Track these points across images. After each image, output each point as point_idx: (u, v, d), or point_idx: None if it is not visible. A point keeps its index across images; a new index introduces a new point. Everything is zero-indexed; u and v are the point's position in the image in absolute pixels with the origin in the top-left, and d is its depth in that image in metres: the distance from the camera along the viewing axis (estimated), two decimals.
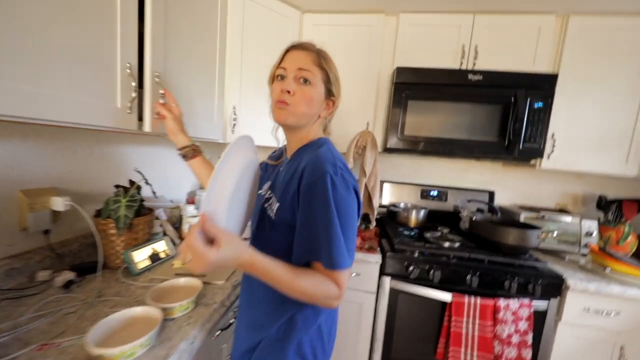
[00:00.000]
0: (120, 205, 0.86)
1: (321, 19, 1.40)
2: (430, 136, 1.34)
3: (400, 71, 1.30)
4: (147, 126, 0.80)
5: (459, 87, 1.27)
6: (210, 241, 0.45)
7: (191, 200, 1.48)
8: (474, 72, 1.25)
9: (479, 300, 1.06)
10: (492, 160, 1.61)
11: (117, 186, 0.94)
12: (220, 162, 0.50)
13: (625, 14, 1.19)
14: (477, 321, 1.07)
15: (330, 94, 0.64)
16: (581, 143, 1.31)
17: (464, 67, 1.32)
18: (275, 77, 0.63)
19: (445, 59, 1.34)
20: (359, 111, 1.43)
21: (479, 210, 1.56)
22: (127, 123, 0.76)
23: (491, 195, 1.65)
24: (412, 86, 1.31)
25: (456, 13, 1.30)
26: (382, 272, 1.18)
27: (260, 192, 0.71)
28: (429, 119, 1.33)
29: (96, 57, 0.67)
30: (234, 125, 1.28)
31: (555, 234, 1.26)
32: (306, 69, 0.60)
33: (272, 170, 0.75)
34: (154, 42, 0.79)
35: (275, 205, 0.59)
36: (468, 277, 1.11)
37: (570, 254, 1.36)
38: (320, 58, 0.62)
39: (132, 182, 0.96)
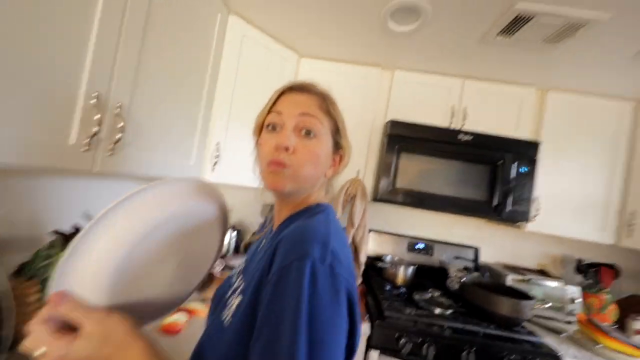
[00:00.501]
0: (51, 262, 0.67)
1: (319, 64, 1.40)
2: (421, 190, 1.30)
3: (394, 124, 1.30)
4: (97, 164, 0.65)
5: (450, 145, 1.28)
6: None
7: None
8: (465, 133, 1.27)
9: None
10: (478, 217, 1.61)
11: (56, 232, 0.76)
12: (109, 210, 0.35)
13: (597, 94, 1.32)
14: None
15: (337, 147, 0.50)
16: (562, 209, 1.34)
17: (453, 126, 1.36)
18: (265, 127, 0.48)
19: (435, 117, 1.37)
20: (350, 158, 1.38)
21: (466, 269, 1.51)
22: (80, 162, 0.62)
23: (476, 251, 1.62)
24: (405, 139, 1.30)
25: (447, 76, 1.36)
26: (369, 345, 1.04)
27: (231, 276, 0.53)
28: (421, 173, 1.31)
29: (47, 79, 0.55)
30: (216, 163, 1.16)
31: (548, 304, 1.22)
32: (311, 115, 0.45)
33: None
34: (121, 68, 0.67)
35: (236, 301, 0.40)
36: (464, 353, 1.00)
37: (557, 321, 1.31)
38: (327, 102, 0.48)
39: (77, 230, 0.78)
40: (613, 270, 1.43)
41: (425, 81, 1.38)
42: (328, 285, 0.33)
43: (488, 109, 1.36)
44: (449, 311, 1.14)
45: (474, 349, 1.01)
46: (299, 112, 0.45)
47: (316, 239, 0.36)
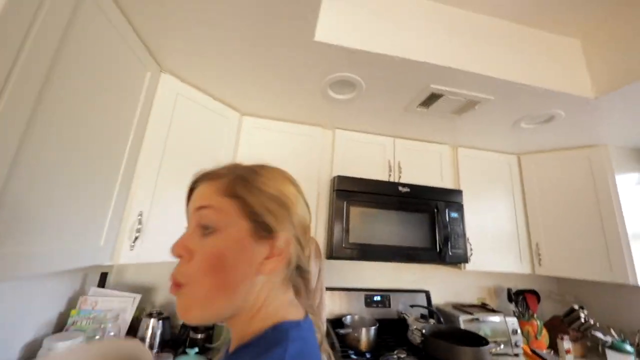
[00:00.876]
0: None
1: (261, 122, 1.40)
2: (372, 242, 1.31)
3: (341, 179, 1.33)
4: None
5: (392, 197, 1.37)
6: None
7: None
8: (403, 185, 1.39)
9: None
10: (426, 263, 1.69)
11: None
12: None
13: (492, 150, 1.65)
14: None
15: (267, 231, 0.36)
16: (485, 246, 1.52)
17: (392, 179, 1.47)
18: None
19: (376, 171, 1.47)
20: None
21: (423, 316, 1.51)
22: None
23: (428, 295, 1.66)
24: (353, 193, 1.33)
25: (381, 135, 1.52)
26: None
27: None
28: (370, 225, 1.33)
29: None
30: (136, 238, 0.94)
31: (503, 346, 1.28)
32: (205, 206, 0.36)
33: None
34: None
35: None
36: None
37: (508, 356, 1.38)
38: (236, 181, 0.37)
39: None
40: (535, 296, 1.64)
41: (363, 139, 1.51)
42: None
43: (417, 163, 1.54)
44: None
45: None
46: (194, 208, 0.37)
47: None
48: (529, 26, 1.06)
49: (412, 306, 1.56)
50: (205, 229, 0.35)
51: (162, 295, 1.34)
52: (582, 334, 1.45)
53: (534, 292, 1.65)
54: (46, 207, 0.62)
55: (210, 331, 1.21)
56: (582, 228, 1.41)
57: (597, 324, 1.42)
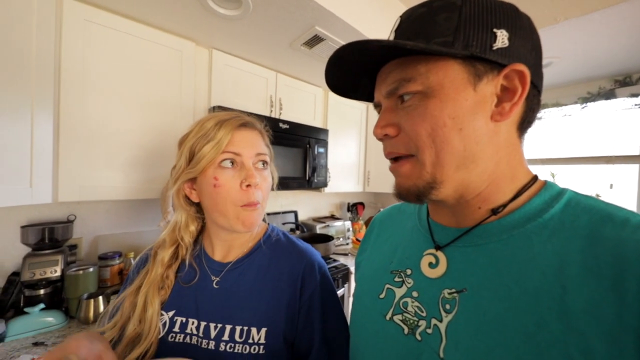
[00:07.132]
0: None
1: (105, 18, 0.99)
2: None
3: (222, 110, 1.25)
4: None
5: (274, 132, 1.45)
6: None
7: None
8: (283, 122, 1.50)
9: None
10: (298, 189, 2.01)
11: None
12: None
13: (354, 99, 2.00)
14: None
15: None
16: (339, 173, 2.00)
17: (273, 115, 1.54)
18: (218, 165, 0.49)
19: (258, 105, 1.48)
20: (175, 149, 1.18)
21: (292, 230, 1.90)
22: None
23: (296, 214, 2.05)
24: None
25: (263, 67, 1.48)
26: None
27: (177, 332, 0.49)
28: None
29: None
30: None
31: (342, 240, 1.84)
32: (264, 153, 0.54)
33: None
34: None
35: (259, 334, 0.47)
36: None
37: (343, 245, 2.05)
38: (267, 136, 0.58)
39: None
40: (362, 205, 2.40)
41: (245, 68, 1.41)
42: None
43: (295, 101, 1.66)
44: None
45: None
46: (256, 153, 0.52)
47: (314, 253, 0.56)
48: None
49: (284, 224, 1.90)
50: (263, 164, 0.55)
51: None
52: None
53: (361, 203, 2.41)
54: None
55: (58, 284, 1.00)
56: None
57: None
